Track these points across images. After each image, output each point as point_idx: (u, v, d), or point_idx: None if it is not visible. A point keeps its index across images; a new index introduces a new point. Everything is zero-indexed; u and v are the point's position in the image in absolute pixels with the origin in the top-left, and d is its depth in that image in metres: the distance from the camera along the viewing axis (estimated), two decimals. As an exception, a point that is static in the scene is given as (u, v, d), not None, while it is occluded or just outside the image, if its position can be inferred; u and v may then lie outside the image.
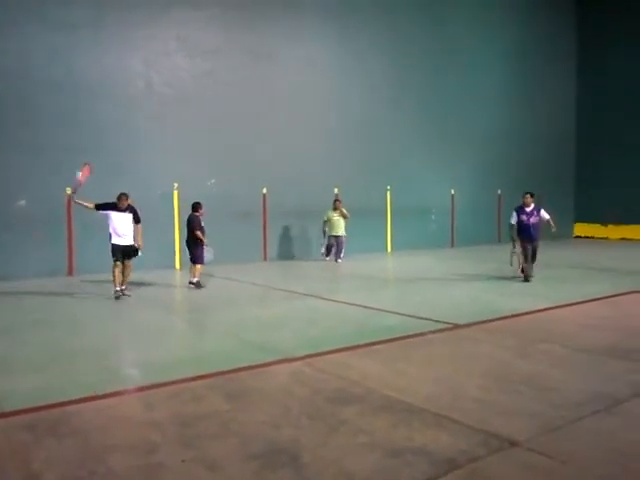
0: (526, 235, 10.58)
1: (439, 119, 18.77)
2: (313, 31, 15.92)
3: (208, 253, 10.56)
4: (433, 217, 18.69)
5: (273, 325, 7.31)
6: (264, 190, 14.91)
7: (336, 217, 14.56)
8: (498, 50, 20.58)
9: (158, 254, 12.84)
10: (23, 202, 11.80)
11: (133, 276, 9.73)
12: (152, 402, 4.38)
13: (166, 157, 13.48)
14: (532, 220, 10.58)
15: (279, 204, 15.06)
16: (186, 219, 10.69)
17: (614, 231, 22.25)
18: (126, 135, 12.97)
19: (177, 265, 13.65)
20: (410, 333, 6.51)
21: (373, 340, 6.17)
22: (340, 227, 14.56)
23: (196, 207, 10.61)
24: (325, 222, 14.68)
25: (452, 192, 19.18)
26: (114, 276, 9.09)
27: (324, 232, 14.73)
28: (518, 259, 10.70)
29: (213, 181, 14.10)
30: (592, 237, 22.60)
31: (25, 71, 11.80)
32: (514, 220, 10.76)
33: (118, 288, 9.09)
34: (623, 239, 21.74)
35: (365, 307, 8.29)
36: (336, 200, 14.92)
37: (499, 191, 20.40)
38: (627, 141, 21.88)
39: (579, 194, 23.49)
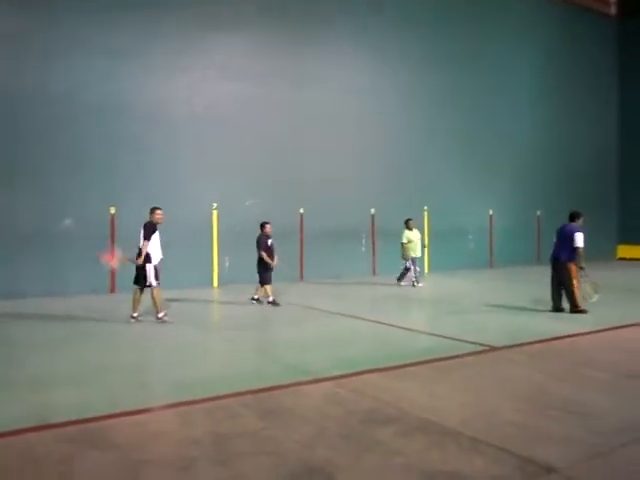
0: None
1: (477, 139, 18.68)
2: (350, 54, 16.14)
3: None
4: (470, 237, 18.49)
5: (307, 345, 7.33)
6: (301, 210, 15.06)
7: (415, 237, 13.82)
8: (538, 70, 20.44)
9: (196, 273, 13.12)
10: (69, 221, 12.21)
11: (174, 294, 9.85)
12: (188, 419, 4.46)
13: (206, 178, 13.80)
14: None
15: (316, 225, 15.16)
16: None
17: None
18: (168, 157, 13.36)
19: (215, 283, 13.87)
20: (445, 355, 6.46)
21: (407, 362, 6.14)
22: (419, 248, 13.92)
23: (262, 226, 10.65)
24: (406, 244, 13.73)
25: (490, 212, 18.98)
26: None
27: (407, 256, 13.73)
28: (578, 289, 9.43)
29: (251, 201, 14.33)
30: (637, 259, 21.95)
31: (71, 95, 12.28)
32: (582, 242, 9.35)
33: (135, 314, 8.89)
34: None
35: (402, 328, 8.25)
36: (410, 220, 14.07)
37: (538, 212, 20.09)
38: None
39: (623, 215, 22.93)
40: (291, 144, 15.09)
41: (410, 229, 13.86)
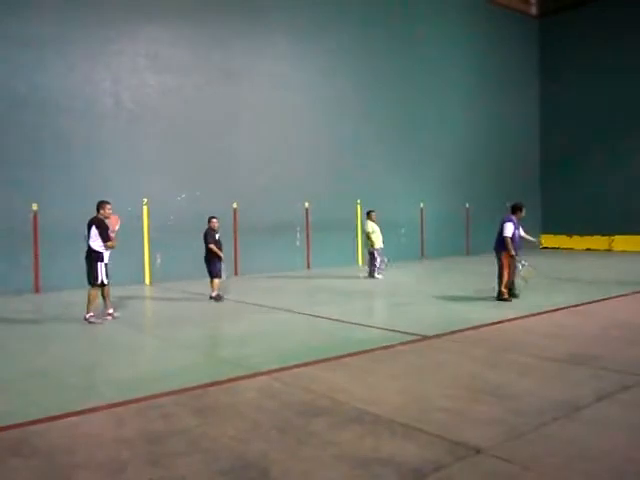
0: (516, 249, 9.86)
1: (408, 135, 19.10)
2: (282, 48, 16.08)
3: (224, 270, 10.63)
4: (403, 230, 18.89)
5: (243, 340, 7.30)
6: (234, 205, 14.92)
7: (377, 228, 13.84)
8: (466, 68, 21.09)
9: (128, 270, 12.74)
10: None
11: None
12: (120, 419, 4.34)
13: (136, 172, 13.42)
14: (518, 234, 9.99)
15: (250, 219, 15.07)
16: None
17: (579, 242, 22.82)
18: (94, 151, 12.88)
19: (147, 280, 13.55)
20: (379, 345, 6.58)
21: (342, 353, 6.22)
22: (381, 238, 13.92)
23: (209, 220, 10.57)
24: (370, 234, 13.76)
25: (421, 205, 19.47)
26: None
27: (371, 247, 13.78)
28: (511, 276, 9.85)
29: (183, 196, 14.07)
30: (558, 248, 23.13)
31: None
32: (510, 232, 9.73)
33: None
34: (588, 249, 22.30)
35: (337, 320, 8.34)
36: (372, 211, 14.12)
37: (467, 204, 20.78)
38: (590, 157, 22.61)
39: (545, 207, 24.09)
40: (223, 137, 14.91)
41: (373, 220, 13.95)
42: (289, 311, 9.28)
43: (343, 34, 17.33)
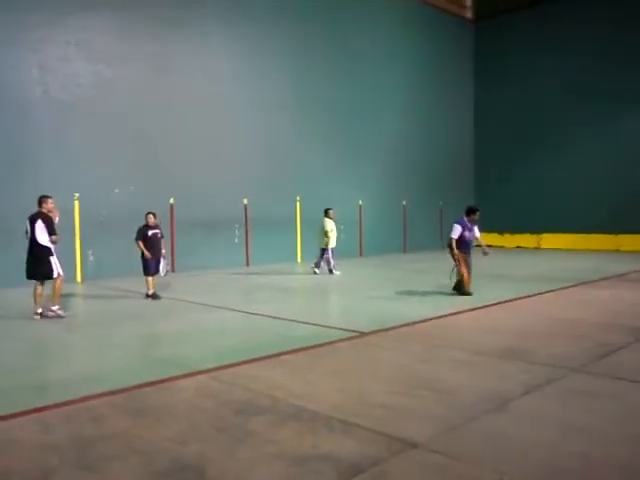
0: (467, 249, 10.49)
1: (346, 132, 19.27)
2: (217, 42, 15.86)
3: (163, 267, 10.40)
4: (342, 227, 19.03)
5: (180, 339, 7.16)
6: (171, 200, 14.61)
7: (334, 226, 13.94)
8: (402, 68, 21.47)
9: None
10: None
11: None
12: (48, 424, 4.16)
13: (66, 166, 12.89)
14: (471, 236, 10.52)
15: (187, 215, 14.79)
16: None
17: (510, 240, 23.72)
18: (20, 142, 12.28)
19: (79, 278, 13.07)
20: (317, 343, 6.61)
21: (281, 351, 6.21)
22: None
23: (145, 216, 10.36)
24: (328, 232, 13.81)
25: (360, 202, 19.69)
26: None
27: (326, 245, 13.83)
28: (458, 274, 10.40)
29: (116, 191, 13.65)
30: (490, 246, 23.91)
31: None
32: (456, 234, 10.29)
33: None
34: (518, 247, 23.23)
35: (275, 318, 8.32)
36: (330, 209, 14.26)
37: (404, 202, 21.18)
38: (522, 157, 23.56)
39: (479, 206, 24.82)
40: (159, 131, 14.55)
41: (331, 218, 14.03)
42: (227, 309, 9.18)
43: (280, 29, 17.25)
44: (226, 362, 5.74)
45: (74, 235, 12.99)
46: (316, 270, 14.06)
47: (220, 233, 15.54)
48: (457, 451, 3.57)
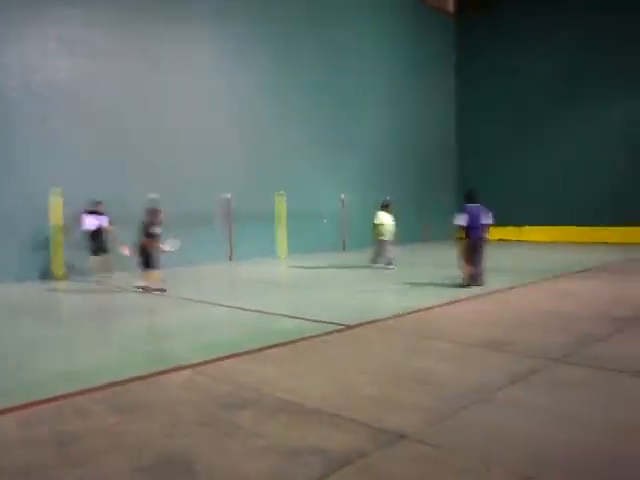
0: (476, 236, 10.51)
1: (328, 125, 19.25)
2: (203, 34, 15.74)
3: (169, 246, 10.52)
4: (325, 221, 19.05)
5: (165, 333, 7.11)
6: (154, 195, 14.43)
7: (387, 220, 13.50)
8: (384, 60, 21.46)
9: (36, 263, 12.08)
10: None
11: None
12: (30, 421, 4.10)
13: (47, 161, 12.69)
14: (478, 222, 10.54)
15: (169, 209, 14.62)
16: None
17: (492, 232, 23.87)
18: (1, 139, 12.07)
19: (59, 273, 12.90)
20: (304, 336, 6.60)
21: (267, 344, 6.19)
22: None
23: (154, 211, 10.48)
24: (379, 226, 13.42)
25: (343, 196, 19.68)
26: None
27: (380, 239, 13.41)
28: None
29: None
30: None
31: None
32: (462, 221, 10.42)
33: None
34: (500, 240, 23.40)
35: (261, 312, 8.28)
36: (387, 202, 13.85)
37: (388, 197, 21.18)
38: (504, 150, 23.74)
39: (462, 198, 25.03)
40: (142, 126, 14.39)
41: (388, 212, 13.67)
42: (212, 304, 9.13)
43: (262, 19, 17.12)
44: (212, 356, 5.71)
45: (57, 230, 12.80)
46: (388, 266, 13.40)
47: (203, 227, 15.41)
48: (445, 442, 3.58)
